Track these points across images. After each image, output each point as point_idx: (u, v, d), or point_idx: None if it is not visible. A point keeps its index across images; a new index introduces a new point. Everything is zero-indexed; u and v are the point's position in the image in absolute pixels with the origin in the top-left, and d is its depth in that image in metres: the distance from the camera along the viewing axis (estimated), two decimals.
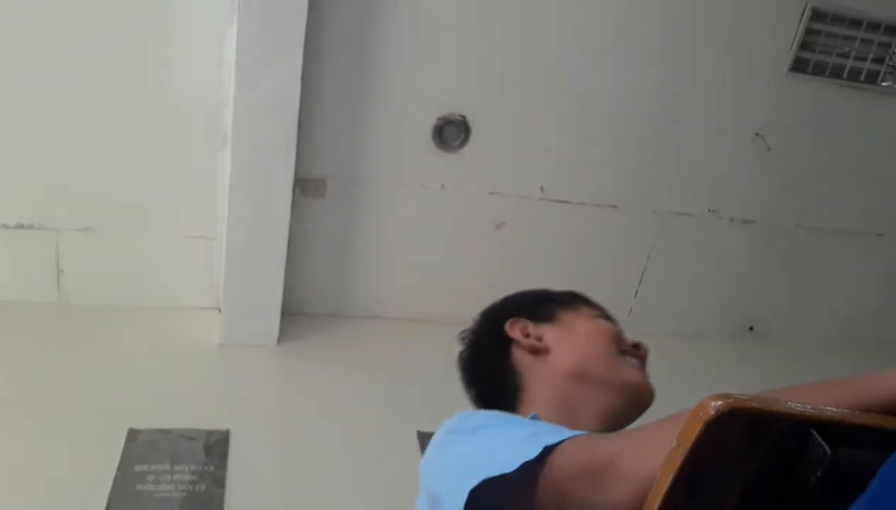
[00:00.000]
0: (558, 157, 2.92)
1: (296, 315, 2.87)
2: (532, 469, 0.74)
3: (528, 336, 1.06)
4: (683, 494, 0.56)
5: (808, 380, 0.66)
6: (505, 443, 0.79)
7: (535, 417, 0.91)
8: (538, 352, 1.05)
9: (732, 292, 3.33)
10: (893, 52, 2.92)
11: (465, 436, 0.87)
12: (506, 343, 1.08)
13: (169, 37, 2.51)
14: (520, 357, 1.06)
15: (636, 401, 1.01)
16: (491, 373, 1.08)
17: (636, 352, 1.06)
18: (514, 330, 1.07)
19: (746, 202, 3.15)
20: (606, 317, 1.11)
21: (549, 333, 1.06)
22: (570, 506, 0.72)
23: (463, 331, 1.16)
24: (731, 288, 3.32)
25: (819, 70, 2.90)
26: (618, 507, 0.66)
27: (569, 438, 0.75)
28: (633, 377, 1.02)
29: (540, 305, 1.12)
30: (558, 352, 1.04)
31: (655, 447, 0.63)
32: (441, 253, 2.97)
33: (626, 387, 1.00)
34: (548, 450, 0.74)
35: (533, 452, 0.74)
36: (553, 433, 0.77)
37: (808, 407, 0.55)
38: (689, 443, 0.54)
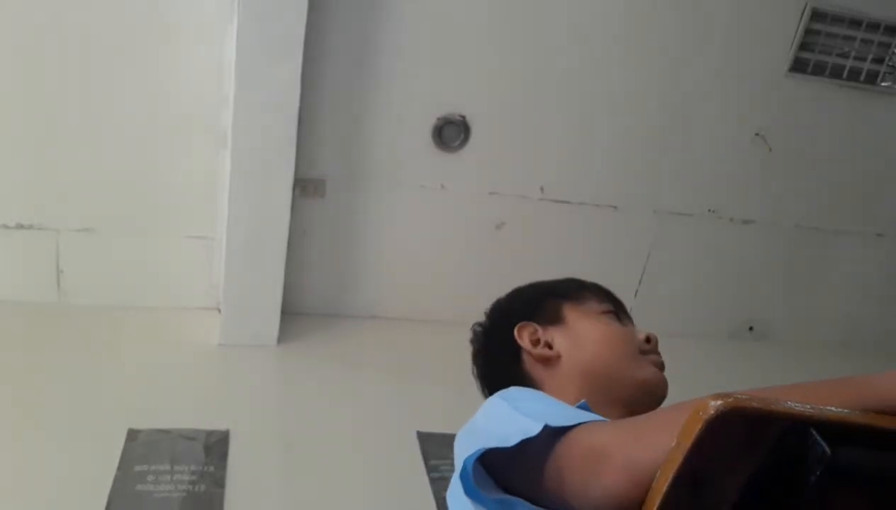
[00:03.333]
0: (558, 157, 2.92)
1: (296, 315, 2.87)
2: (535, 447, 0.75)
3: (537, 343, 1.05)
4: (683, 493, 0.56)
5: (808, 380, 0.67)
6: (514, 417, 0.80)
7: (583, 405, 0.88)
8: (549, 360, 1.03)
9: (732, 292, 3.33)
10: (893, 52, 2.92)
11: (503, 405, 0.87)
12: (516, 350, 1.06)
13: (169, 37, 2.51)
14: (531, 364, 1.05)
15: (651, 395, 1.01)
16: (505, 379, 1.06)
17: (648, 346, 1.05)
18: (522, 338, 1.06)
19: (746, 202, 3.15)
20: (613, 309, 1.09)
21: (557, 337, 1.05)
22: (567, 491, 0.73)
23: (473, 328, 1.14)
24: (731, 288, 3.32)
25: (819, 70, 2.90)
26: (611, 495, 0.66)
27: (575, 425, 0.75)
28: (646, 375, 1.01)
29: (545, 304, 1.09)
30: (569, 358, 1.03)
31: (650, 436, 0.64)
32: (441, 253, 2.97)
33: (641, 385, 1.00)
34: (550, 430, 0.74)
35: (535, 429, 0.74)
36: (577, 417, 0.78)
37: (808, 406, 0.55)
38: (688, 443, 0.54)
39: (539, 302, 1.11)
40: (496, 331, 1.11)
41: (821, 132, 3.06)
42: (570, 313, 1.07)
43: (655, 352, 1.06)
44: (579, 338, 1.04)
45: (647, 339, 1.06)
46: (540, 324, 1.06)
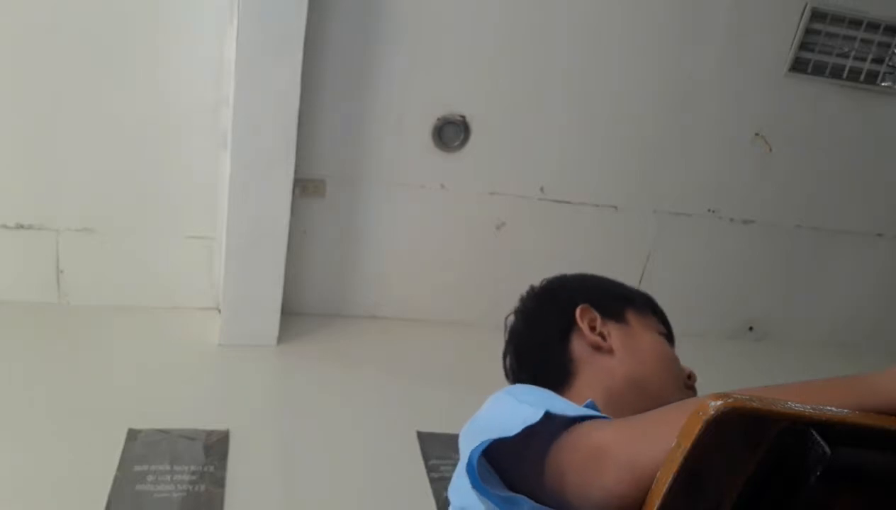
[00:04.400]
0: (558, 157, 2.92)
1: (296, 315, 2.87)
2: (538, 440, 0.74)
3: (593, 329, 1.05)
4: (683, 494, 0.56)
5: (808, 379, 0.66)
6: (517, 407, 0.80)
7: (591, 404, 0.88)
8: (600, 349, 1.03)
9: (732, 292, 3.33)
10: (893, 52, 2.92)
11: (507, 398, 0.86)
12: (568, 326, 1.06)
13: (169, 37, 2.51)
14: (579, 347, 1.04)
15: None
16: (544, 352, 1.06)
17: (690, 382, 1.06)
18: (583, 319, 1.05)
19: (746, 202, 3.15)
20: (669, 335, 1.10)
21: (615, 333, 1.05)
22: (568, 490, 0.72)
23: (527, 293, 1.13)
24: (731, 288, 3.32)
25: (819, 70, 2.90)
26: (610, 493, 0.65)
27: (577, 420, 0.75)
28: None
29: (612, 300, 1.09)
30: (620, 357, 1.03)
31: (652, 435, 0.63)
32: (441, 253, 2.97)
33: None
34: (552, 419, 0.74)
35: (536, 415, 0.74)
36: (581, 410, 0.77)
37: (808, 406, 0.55)
38: (688, 443, 0.54)
39: (607, 295, 1.11)
40: (553, 301, 1.10)
41: (821, 132, 3.06)
42: (634, 320, 1.08)
43: (694, 389, 1.06)
44: (637, 344, 1.05)
45: (689, 376, 1.07)
46: (601, 315, 1.06)
